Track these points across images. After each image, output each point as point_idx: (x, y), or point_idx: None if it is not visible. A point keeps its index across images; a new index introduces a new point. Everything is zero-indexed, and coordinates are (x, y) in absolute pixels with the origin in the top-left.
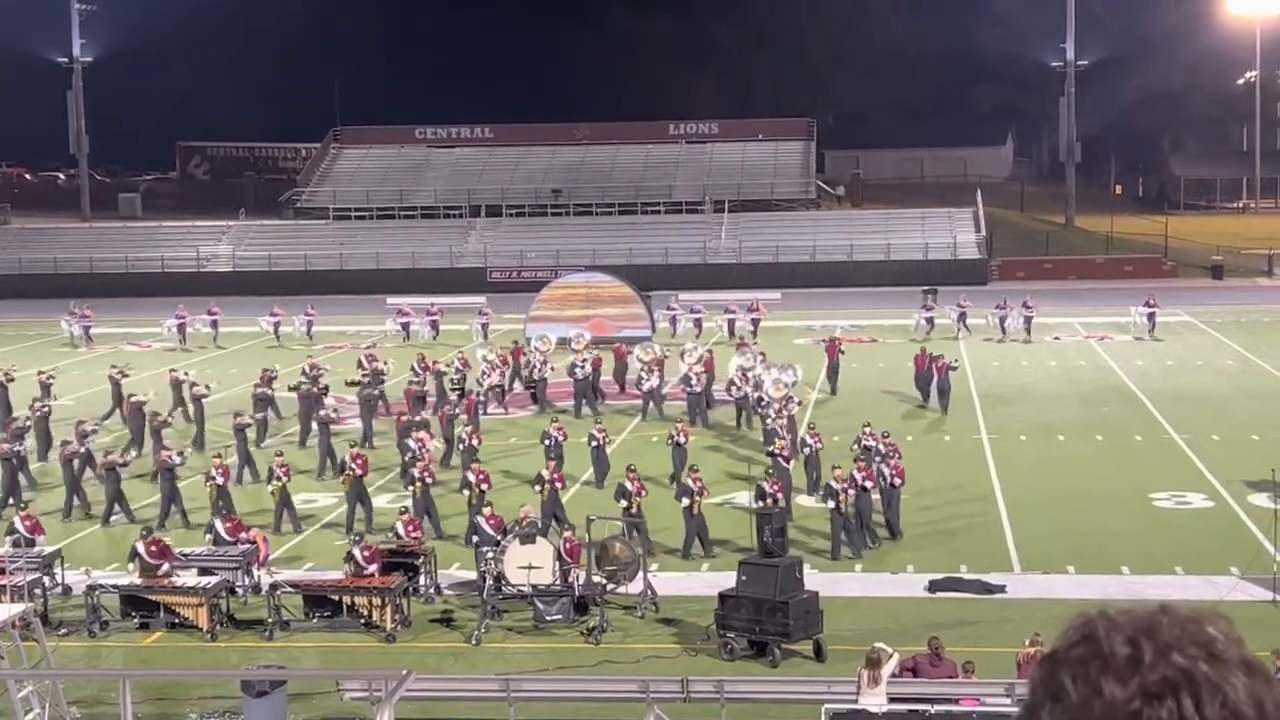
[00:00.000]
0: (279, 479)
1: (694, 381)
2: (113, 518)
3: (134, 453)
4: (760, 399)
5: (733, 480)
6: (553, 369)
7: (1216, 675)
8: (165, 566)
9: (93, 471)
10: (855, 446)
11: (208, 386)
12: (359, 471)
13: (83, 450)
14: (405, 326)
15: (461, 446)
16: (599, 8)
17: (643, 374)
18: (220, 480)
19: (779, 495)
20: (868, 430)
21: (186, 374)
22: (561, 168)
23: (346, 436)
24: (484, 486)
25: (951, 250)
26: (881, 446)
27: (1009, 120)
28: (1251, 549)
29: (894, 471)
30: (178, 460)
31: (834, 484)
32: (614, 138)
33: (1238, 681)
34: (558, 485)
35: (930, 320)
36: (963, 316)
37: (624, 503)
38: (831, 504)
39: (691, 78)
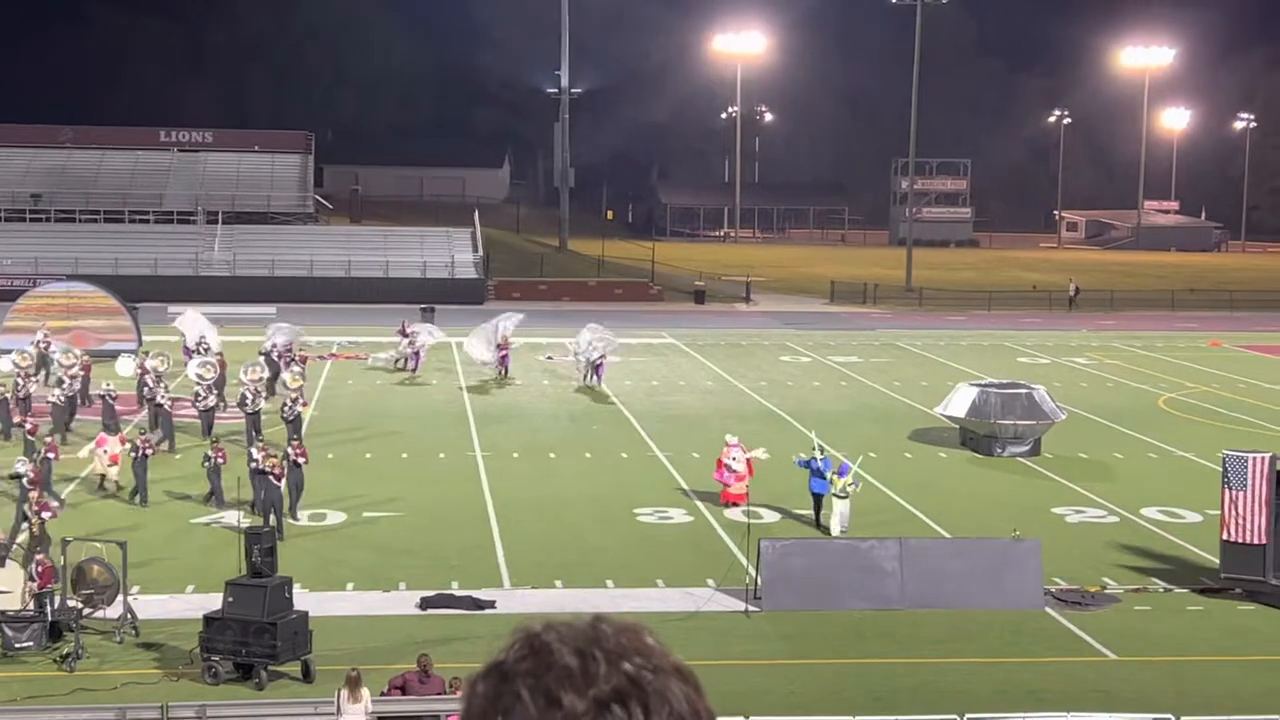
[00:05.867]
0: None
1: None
2: None
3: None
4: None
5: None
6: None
7: (660, 683)
8: None
9: None
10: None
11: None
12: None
13: None
14: None
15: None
16: (84, 4)
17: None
18: None
19: None
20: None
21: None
22: (42, 171)
23: None
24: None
25: (450, 269)
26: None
27: (506, 143)
28: (726, 562)
29: (298, 452)
30: None
31: None
32: (100, 142)
33: (677, 689)
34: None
35: (417, 353)
36: (417, 353)
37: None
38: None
39: (186, 84)
